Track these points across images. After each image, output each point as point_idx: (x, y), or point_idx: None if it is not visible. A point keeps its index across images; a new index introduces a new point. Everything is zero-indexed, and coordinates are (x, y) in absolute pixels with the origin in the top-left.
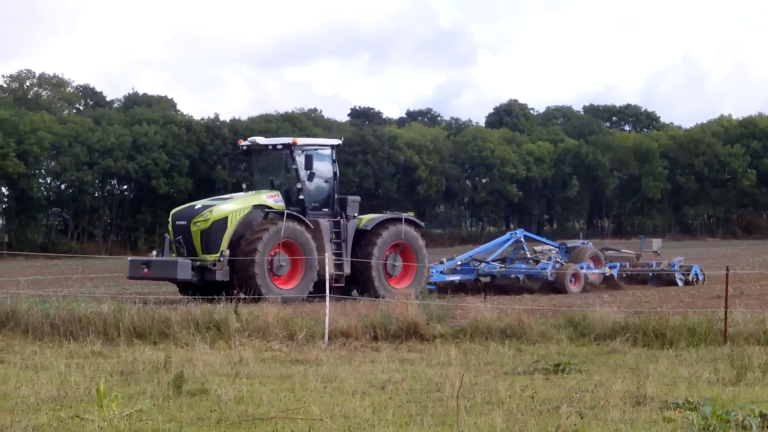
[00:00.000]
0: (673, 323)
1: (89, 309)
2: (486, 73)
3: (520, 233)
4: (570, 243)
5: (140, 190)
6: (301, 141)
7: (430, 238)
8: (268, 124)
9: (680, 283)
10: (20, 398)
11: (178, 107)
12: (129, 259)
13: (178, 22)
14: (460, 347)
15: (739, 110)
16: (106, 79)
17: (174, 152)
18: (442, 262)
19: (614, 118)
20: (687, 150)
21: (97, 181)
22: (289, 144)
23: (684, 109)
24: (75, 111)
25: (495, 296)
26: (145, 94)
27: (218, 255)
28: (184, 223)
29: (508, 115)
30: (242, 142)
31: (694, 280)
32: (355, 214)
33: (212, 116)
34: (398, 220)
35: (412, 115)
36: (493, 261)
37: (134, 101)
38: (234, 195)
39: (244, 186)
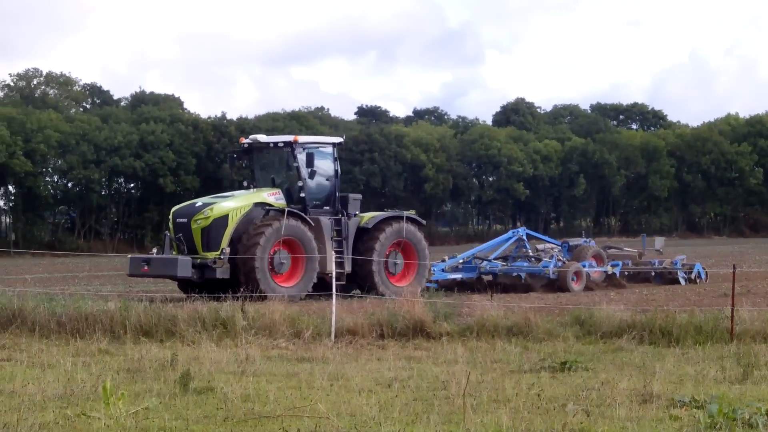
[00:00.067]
0: (679, 321)
1: (96, 307)
2: (493, 72)
3: (522, 231)
4: (572, 241)
5: (147, 189)
6: (302, 139)
7: (437, 237)
8: (275, 122)
9: (683, 282)
10: (27, 396)
11: (185, 106)
12: (129, 256)
13: (185, 21)
14: (467, 345)
15: (746, 109)
16: (113, 77)
17: (181, 150)
18: (443, 260)
19: (621, 117)
20: (694, 148)
21: (104, 179)
22: (290, 142)
23: (691, 107)
24: (82, 109)
25: (501, 294)
26: (152, 93)
27: (219, 253)
28: (185, 220)
29: (515, 114)
30: (243, 140)
31: (697, 278)
32: (357, 212)
33: (219, 115)
34: (399, 218)
35: (419, 114)
36: (495, 259)
37: (141, 100)
38: (235, 193)
39: (245, 183)
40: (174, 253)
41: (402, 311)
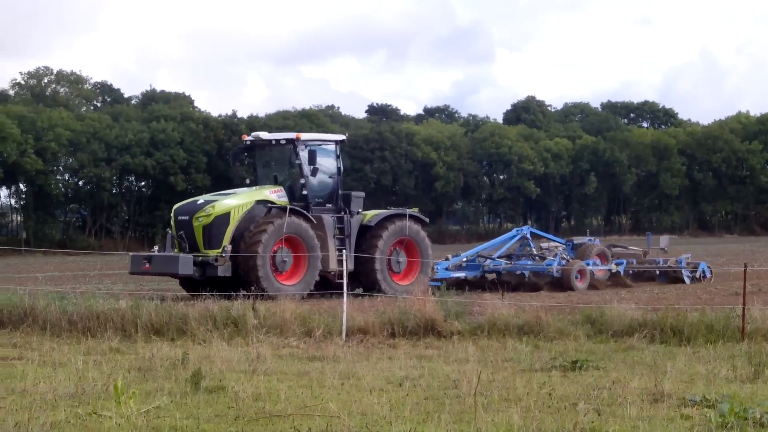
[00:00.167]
0: (690, 320)
1: (107, 305)
2: (503, 70)
3: (526, 230)
4: (577, 240)
5: (158, 187)
6: (304, 136)
7: (448, 235)
8: (285, 120)
9: (687, 281)
10: (38, 395)
11: (196, 104)
12: (130, 254)
13: (196, 19)
14: (478, 344)
15: (757, 107)
16: (124, 76)
17: (192, 149)
18: (447, 259)
19: (632, 115)
20: (705, 146)
21: (114, 177)
22: (292, 139)
23: (702, 105)
24: (93, 108)
25: (512, 293)
26: (162, 91)
27: (220, 250)
28: (186, 218)
29: (525, 112)
30: (246, 137)
31: (701, 277)
32: (359, 210)
33: (230, 113)
34: (402, 216)
35: (429, 112)
36: (499, 258)
37: (152, 98)
38: (237, 190)
39: (247, 181)
40: (176, 250)
41: (413, 310)
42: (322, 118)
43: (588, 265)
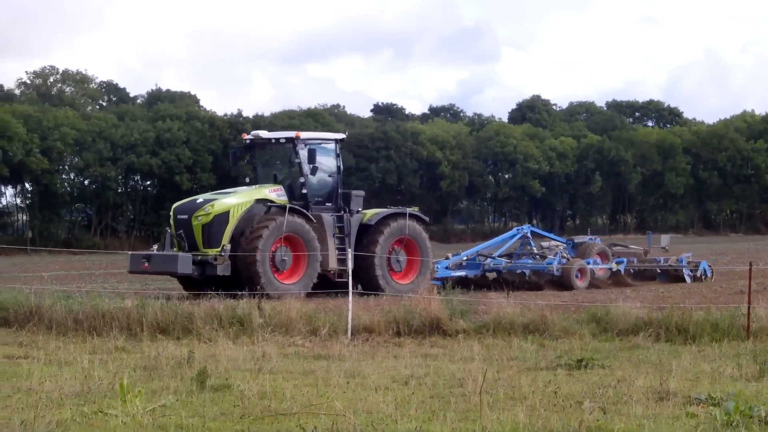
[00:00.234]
0: (696, 318)
1: (113, 304)
2: (509, 69)
3: (526, 229)
4: (577, 239)
5: (163, 186)
6: (304, 135)
7: (453, 234)
8: (290, 119)
9: (688, 279)
10: (44, 393)
11: (202, 103)
12: (130, 253)
13: (202, 18)
14: (483, 342)
15: (762, 106)
16: (129, 75)
17: (197, 148)
18: (447, 258)
19: (637, 114)
20: (710, 145)
21: (120, 176)
22: (292, 138)
23: (707, 104)
24: (98, 107)
25: (517, 292)
26: (168, 91)
27: (219, 249)
28: (186, 217)
29: (530, 111)
30: (245, 136)
31: (702, 276)
32: (359, 209)
33: (235, 112)
34: (402, 215)
35: (434, 111)
36: (499, 256)
37: (157, 97)
38: (236, 189)
39: (247, 180)
40: (175, 249)
41: (418, 309)
42: (328, 118)
43: (588, 263)
